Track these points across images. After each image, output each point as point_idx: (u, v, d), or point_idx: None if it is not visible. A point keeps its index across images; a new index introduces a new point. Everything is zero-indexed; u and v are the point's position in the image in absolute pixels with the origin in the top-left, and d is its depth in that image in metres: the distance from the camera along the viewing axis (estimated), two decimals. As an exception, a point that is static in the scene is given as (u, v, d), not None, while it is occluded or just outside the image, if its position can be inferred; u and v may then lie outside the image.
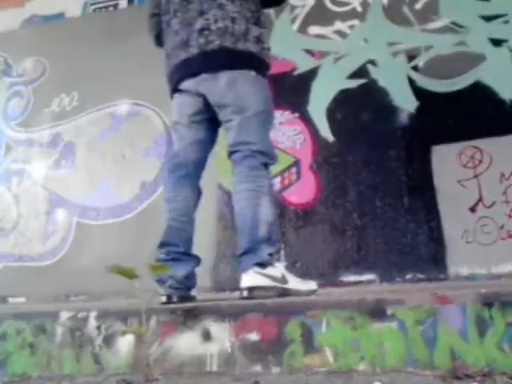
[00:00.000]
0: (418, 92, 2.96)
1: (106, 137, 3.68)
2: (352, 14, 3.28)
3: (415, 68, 3.03)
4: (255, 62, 1.84)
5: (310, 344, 1.46)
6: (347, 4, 3.33)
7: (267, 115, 1.88)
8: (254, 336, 1.50)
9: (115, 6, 4.07)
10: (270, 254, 1.69)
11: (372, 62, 3.12)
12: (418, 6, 3.14)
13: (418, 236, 2.73)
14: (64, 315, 1.75)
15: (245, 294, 1.67)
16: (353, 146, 3.00)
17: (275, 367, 1.45)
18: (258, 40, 1.84)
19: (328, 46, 3.27)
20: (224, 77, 1.78)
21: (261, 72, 1.86)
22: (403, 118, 2.95)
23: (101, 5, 4.12)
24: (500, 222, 2.62)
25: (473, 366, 1.29)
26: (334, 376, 1.35)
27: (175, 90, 1.96)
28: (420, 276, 2.64)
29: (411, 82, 3.00)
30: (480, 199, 2.69)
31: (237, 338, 1.50)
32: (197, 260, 1.92)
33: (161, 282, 1.74)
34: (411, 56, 3.05)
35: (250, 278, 1.66)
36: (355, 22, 3.27)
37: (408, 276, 2.67)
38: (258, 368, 1.46)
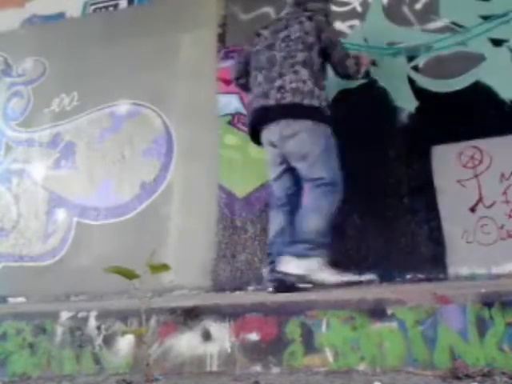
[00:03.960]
0: (418, 92, 2.96)
1: (106, 137, 3.68)
2: (352, 14, 3.28)
3: (415, 68, 3.03)
4: (317, 114, 2.41)
5: (310, 344, 1.46)
6: (347, 4, 3.33)
7: (328, 155, 2.43)
8: (254, 336, 1.50)
9: (115, 6, 4.07)
10: (306, 250, 2.26)
11: (372, 62, 3.11)
12: (418, 5, 3.14)
13: (418, 236, 2.72)
14: (64, 315, 1.75)
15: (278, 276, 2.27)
16: (353, 146, 3.00)
17: (275, 367, 1.45)
18: (320, 98, 2.42)
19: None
20: (289, 126, 2.39)
21: (320, 120, 2.41)
22: (403, 118, 2.95)
23: (101, 5, 4.12)
24: (500, 222, 2.62)
25: (473, 366, 1.29)
26: (333, 376, 1.34)
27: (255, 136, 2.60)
28: (420, 276, 2.64)
29: (411, 81, 3.00)
30: (480, 199, 2.69)
31: (237, 337, 1.51)
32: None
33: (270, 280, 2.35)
34: (411, 56, 3.05)
35: (286, 265, 2.23)
36: (355, 22, 3.27)
37: (408, 276, 2.66)
38: (258, 368, 1.46)
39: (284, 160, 2.50)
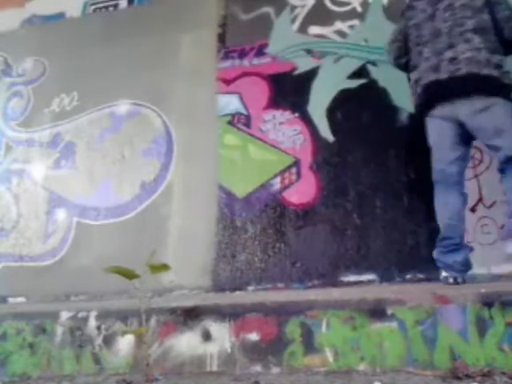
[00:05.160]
0: (418, 92, 2.96)
1: (106, 137, 3.68)
2: (352, 14, 3.28)
3: (415, 68, 3.03)
4: (498, 87, 2.21)
5: (310, 344, 1.46)
6: (347, 4, 3.33)
7: None
8: (254, 336, 1.50)
9: (115, 6, 4.07)
10: None
11: (372, 62, 3.11)
12: (418, 6, 3.14)
13: (418, 236, 2.72)
14: (64, 315, 1.75)
15: None
16: (353, 146, 3.00)
17: (275, 367, 1.45)
18: (498, 66, 2.22)
19: (328, 46, 3.27)
20: (479, 102, 2.17)
21: (504, 96, 2.21)
22: (403, 118, 2.95)
23: (101, 5, 4.12)
24: (500, 222, 2.62)
25: (473, 366, 1.29)
26: (333, 376, 1.35)
27: (426, 114, 2.37)
28: (420, 276, 2.64)
29: (411, 81, 3.00)
30: (480, 199, 2.69)
31: (237, 337, 1.51)
32: (469, 248, 2.34)
33: (448, 267, 2.23)
34: (411, 56, 3.05)
35: None
36: (355, 21, 3.27)
37: (408, 276, 2.66)
38: (258, 368, 1.46)
39: (466, 137, 2.30)
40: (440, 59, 2.28)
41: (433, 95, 2.31)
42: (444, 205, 2.32)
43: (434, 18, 2.37)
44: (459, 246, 2.27)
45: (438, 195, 2.36)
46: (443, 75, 2.25)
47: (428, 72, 2.32)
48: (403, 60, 2.57)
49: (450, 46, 2.27)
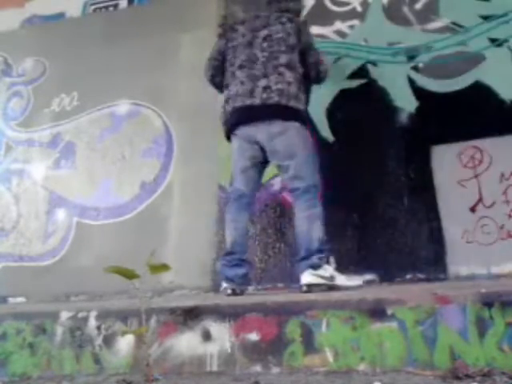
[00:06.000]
0: (418, 92, 2.96)
1: (106, 137, 3.68)
2: (352, 14, 3.28)
3: (415, 68, 3.03)
4: (302, 117, 2.42)
5: (310, 344, 1.46)
6: (347, 4, 3.33)
7: (313, 157, 2.42)
8: (254, 336, 1.50)
9: (115, 6, 4.08)
10: (320, 259, 2.22)
11: (372, 62, 3.12)
12: (418, 6, 3.14)
13: (418, 236, 2.72)
14: (64, 315, 1.75)
15: (304, 289, 2.19)
16: (353, 146, 3.00)
17: (275, 367, 1.45)
18: (302, 101, 2.44)
19: (328, 46, 3.27)
20: (277, 125, 2.35)
21: (305, 123, 2.44)
22: (403, 118, 2.95)
23: (101, 5, 4.13)
24: (500, 222, 2.62)
25: (473, 366, 1.29)
26: (333, 376, 1.35)
27: (231, 132, 2.49)
28: (420, 276, 2.64)
29: (411, 81, 3.00)
30: (480, 199, 2.69)
31: (237, 337, 1.51)
32: (250, 265, 2.52)
33: (227, 279, 2.32)
34: (411, 56, 3.05)
35: (307, 278, 2.18)
36: (355, 22, 3.27)
37: (408, 276, 2.67)
38: (258, 368, 1.46)
39: (262, 158, 2.45)
40: (254, 85, 2.40)
41: (244, 117, 2.41)
42: (235, 221, 2.43)
43: (253, 44, 2.49)
44: (242, 262, 2.37)
45: (231, 211, 2.47)
46: (257, 101, 2.37)
47: (242, 96, 2.41)
48: (218, 79, 2.65)
49: (265, 76, 2.40)
